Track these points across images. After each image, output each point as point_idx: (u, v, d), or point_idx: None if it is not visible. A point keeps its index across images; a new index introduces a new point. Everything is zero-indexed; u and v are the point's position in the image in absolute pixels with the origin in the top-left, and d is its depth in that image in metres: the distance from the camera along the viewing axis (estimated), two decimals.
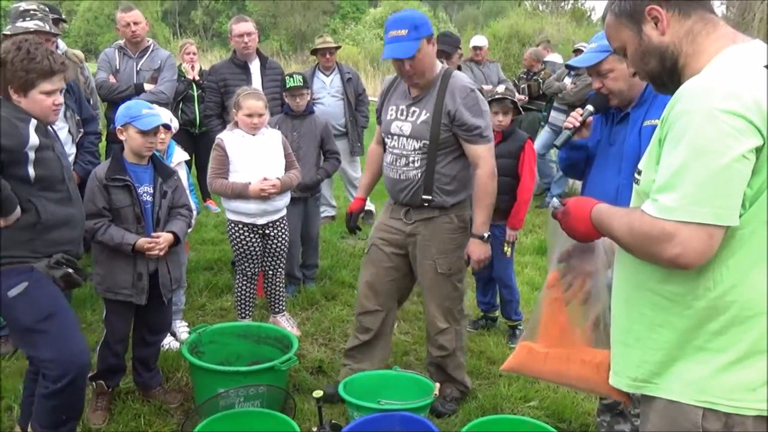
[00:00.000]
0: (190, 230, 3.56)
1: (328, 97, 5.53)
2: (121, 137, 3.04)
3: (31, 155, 2.37)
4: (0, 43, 2.52)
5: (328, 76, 5.57)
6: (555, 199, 1.76)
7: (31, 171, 2.39)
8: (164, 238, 3.03)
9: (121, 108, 3.09)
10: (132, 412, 3.14)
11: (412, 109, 3.07)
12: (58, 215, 2.47)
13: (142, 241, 2.96)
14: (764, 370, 1.39)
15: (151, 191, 3.08)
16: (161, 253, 3.02)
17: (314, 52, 5.64)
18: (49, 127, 2.56)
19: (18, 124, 2.36)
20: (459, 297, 3.25)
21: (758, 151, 1.32)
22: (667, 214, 1.34)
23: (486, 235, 3.06)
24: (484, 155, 3.02)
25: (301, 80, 4.29)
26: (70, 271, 2.50)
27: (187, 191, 3.81)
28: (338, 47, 5.78)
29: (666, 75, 1.55)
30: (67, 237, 2.53)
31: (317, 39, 5.76)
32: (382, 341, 3.33)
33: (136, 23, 4.82)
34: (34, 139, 2.38)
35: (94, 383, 3.10)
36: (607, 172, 2.57)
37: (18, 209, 2.36)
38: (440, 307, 3.19)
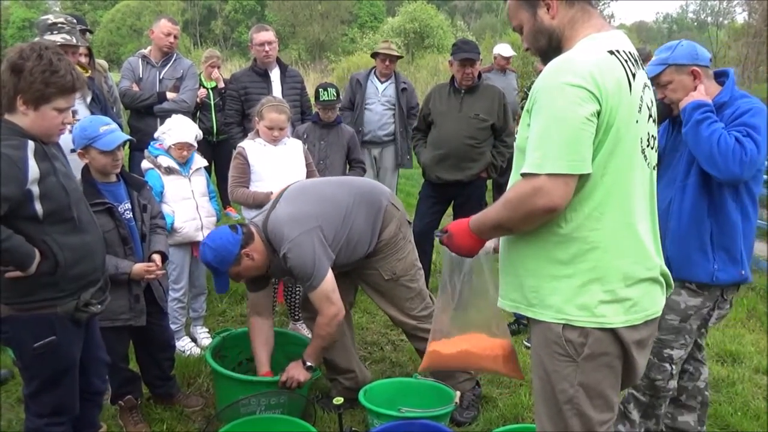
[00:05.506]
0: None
1: (377, 104, 5.34)
2: (83, 160, 2.84)
3: (35, 190, 2.14)
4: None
5: (382, 83, 5.37)
6: (437, 231, 2.04)
7: (39, 207, 2.16)
8: (159, 261, 2.97)
9: (76, 129, 2.87)
10: (154, 417, 3.17)
11: None
12: (74, 249, 2.27)
13: (139, 268, 2.86)
14: (599, 294, 1.74)
15: (130, 207, 2.94)
16: (160, 276, 2.97)
17: (374, 55, 5.43)
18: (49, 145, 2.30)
19: (17, 161, 2.10)
20: (417, 296, 3.21)
21: (598, 114, 1.66)
22: (536, 169, 1.66)
23: (309, 364, 3.00)
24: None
25: (335, 94, 4.31)
26: (97, 310, 2.39)
27: (208, 196, 3.86)
28: (400, 57, 5.49)
29: (552, 52, 1.83)
30: (90, 267, 2.35)
31: (382, 43, 5.58)
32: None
33: (176, 37, 5.04)
34: (34, 171, 2.13)
35: (121, 402, 3.05)
36: (667, 179, 2.66)
37: (37, 255, 2.18)
38: (401, 310, 3.19)
